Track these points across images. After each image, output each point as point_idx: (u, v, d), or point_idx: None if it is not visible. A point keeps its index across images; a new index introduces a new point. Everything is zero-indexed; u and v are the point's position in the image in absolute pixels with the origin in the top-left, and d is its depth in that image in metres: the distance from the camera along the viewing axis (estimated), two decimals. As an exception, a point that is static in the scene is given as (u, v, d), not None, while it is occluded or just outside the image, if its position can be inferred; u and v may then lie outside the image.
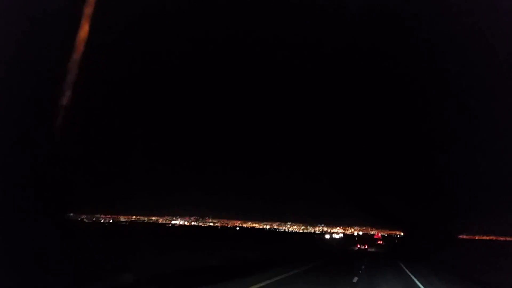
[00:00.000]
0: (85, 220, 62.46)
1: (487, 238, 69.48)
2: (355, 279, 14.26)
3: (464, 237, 66.03)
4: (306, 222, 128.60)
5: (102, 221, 72.53)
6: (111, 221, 76.12)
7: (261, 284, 10.82)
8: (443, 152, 48.62)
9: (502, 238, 64.15)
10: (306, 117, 57.43)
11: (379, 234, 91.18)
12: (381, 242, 67.15)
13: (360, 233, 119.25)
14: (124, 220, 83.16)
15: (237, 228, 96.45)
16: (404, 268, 21.79)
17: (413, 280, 15.45)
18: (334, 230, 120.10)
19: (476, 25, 26.26)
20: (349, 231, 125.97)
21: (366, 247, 54.84)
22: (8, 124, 8.65)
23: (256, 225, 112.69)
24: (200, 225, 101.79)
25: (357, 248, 53.02)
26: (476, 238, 70.18)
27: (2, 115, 8.54)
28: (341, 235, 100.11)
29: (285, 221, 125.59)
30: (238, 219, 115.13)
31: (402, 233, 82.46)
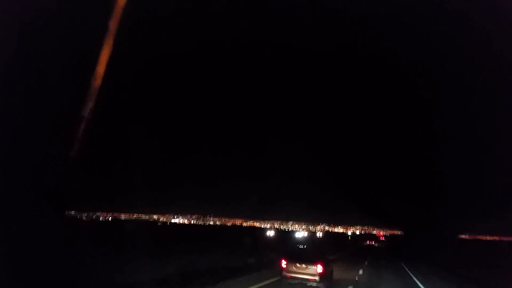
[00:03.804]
0: (83, 218, 62.62)
1: (488, 238, 68.89)
2: None
3: (465, 237, 65.54)
4: (308, 222, 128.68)
5: (101, 219, 72.58)
6: (110, 219, 76.20)
7: None
8: (443, 153, 48.11)
9: (503, 238, 63.51)
10: (310, 119, 57.14)
11: (381, 233, 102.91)
12: (383, 239, 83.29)
13: (357, 232, 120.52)
14: (124, 217, 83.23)
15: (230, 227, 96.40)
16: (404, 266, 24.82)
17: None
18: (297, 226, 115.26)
19: (476, 26, 25.78)
20: (350, 230, 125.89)
21: (373, 243, 71.82)
22: (9, 123, 8.65)
23: (257, 224, 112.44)
24: (200, 224, 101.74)
25: (367, 244, 68.93)
26: (477, 238, 69.58)
27: (2, 115, 8.55)
28: (319, 234, 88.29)
29: (287, 220, 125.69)
30: (239, 217, 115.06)
31: (401, 233, 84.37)
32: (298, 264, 13.39)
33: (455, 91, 40.48)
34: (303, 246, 16.06)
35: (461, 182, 47.03)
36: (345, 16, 29.41)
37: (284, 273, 13.53)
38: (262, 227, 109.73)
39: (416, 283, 17.45)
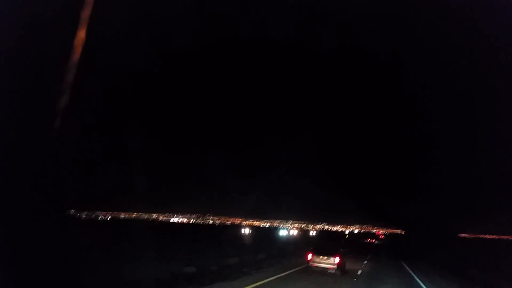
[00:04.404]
0: (83, 217, 62.39)
1: (489, 237, 68.97)
2: None
3: (465, 235, 65.62)
4: (307, 220, 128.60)
5: (100, 218, 72.46)
6: (108, 218, 76.03)
7: None
8: (443, 152, 48.10)
9: (503, 237, 63.55)
10: (310, 119, 57.11)
11: (381, 232, 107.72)
12: (382, 237, 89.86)
13: (355, 231, 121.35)
14: (123, 217, 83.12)
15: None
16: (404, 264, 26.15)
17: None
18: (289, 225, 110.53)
19: (476, 25, 25.67)
20: (350, 229, 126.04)
21: (373, 240, 75.62)
22: (7, 122, 8.60)
23: (256, 223, 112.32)
24: (199, 223, 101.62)
25: (367, 241, 71.52)
26: (478, 237, 69.65)
27: (1, 114, 8.51)
28: (313, 232, 79.87)
29: (286, 219, 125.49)
30: (239, 216, 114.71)
31: (402, 232, 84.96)
32: (321, 256, 17.70)
33: (455, 91, 40.45)
34: (325, 243, 21.27)
35: (461, 182, 47.02)
36: (344, 14, 29.31)
37: (310, 263, 17.85)
38: (261, 226, 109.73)
39: (413, 276, 19.12)
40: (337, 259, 17.47)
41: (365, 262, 25.81)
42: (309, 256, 18.00)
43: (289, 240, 48.43)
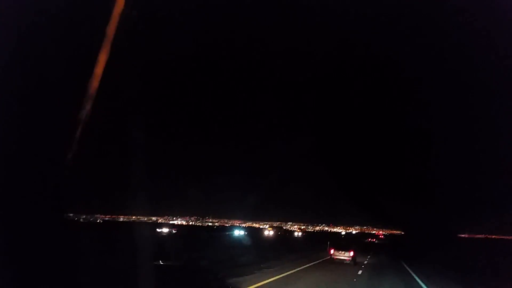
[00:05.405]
0: (81, 220, 62.07)
1: (489, 236, 68.94)
2: None
3: (465, 235, 65.63)
4: (307, 222, 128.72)
5: (99, 221, 72.25)
6: (101, 221, 75.76)
7: None
8: (443, 152, 48.09)
9: (504, 237, 63.53)
10: (309, 119, 57.07)
11: (380, 232, 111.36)
12: (382, 237, 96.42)
13: (353, 232, 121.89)
14: (123, 220, 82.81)
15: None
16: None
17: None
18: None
19: (475, 24, 25.64)
20: (348, 230, 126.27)
21: (374, 240, 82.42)
22: (7, 125, 8.51)
23: (256, 225, 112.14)
24: (198, 225, 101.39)
25: (368, 241, 75.37)
26: (478, 236, 69.63)
27: (2, 116, 8.44)
28: (270, 232, 64.26)
29: (285, 221, 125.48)
30: (238, 219, 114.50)
31: (402, 232, 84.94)
32: (340, 251, 24.50)
33: (454, 91, 40.45)
34: (343, 241, 30.34)
35: (461, 182, 46.98)
36: (345, 15, 29.27)
37: (332, 256, 24.50)
38: (261, 227, 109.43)
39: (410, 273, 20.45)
40: (351, 253, 24.09)
41: (368, 257, 31.57)
42: (332, 251, 24.71)
43: (250, 244, 30.76)
